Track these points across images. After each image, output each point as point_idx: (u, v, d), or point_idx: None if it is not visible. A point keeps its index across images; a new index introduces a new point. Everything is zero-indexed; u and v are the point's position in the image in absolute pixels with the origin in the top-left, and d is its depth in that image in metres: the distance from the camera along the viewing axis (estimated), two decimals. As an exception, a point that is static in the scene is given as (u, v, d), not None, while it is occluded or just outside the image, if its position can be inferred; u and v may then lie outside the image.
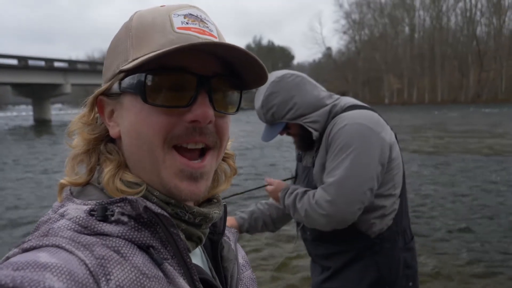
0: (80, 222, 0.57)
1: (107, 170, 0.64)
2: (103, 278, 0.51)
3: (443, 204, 7.40)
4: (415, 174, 9.84)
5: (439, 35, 77.72)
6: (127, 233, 0.57)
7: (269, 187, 2.01)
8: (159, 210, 0.58)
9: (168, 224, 0.59)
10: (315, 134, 1.79)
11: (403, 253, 1.81)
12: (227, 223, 0.84)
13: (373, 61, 78.46)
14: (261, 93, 1.79)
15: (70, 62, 52.04)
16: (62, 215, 0.58)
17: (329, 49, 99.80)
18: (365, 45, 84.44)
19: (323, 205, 1.68)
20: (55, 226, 0.57)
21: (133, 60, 0.63)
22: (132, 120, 0.64)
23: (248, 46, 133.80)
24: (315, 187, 1.81)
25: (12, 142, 21.64)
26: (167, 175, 0.63)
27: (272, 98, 1.76)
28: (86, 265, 0.51)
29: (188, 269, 0.61)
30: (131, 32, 0.66)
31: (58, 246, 0.52)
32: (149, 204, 0.58)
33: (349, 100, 1.86)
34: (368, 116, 1.75)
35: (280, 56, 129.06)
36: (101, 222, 0.57)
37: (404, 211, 1.87)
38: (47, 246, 0.52)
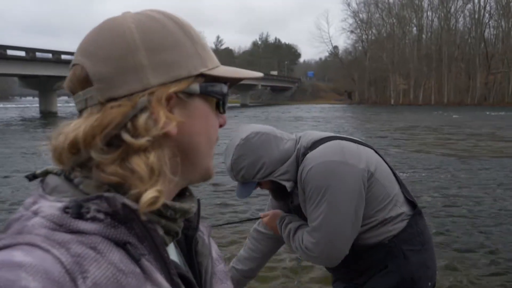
0: (54, 219, 0.55)
1: (157, 188, 0.59)
2: (80, 276, 0.50)
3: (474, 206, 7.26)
4: (445, 178, 9.74)
5: (447, 36, 77.43)
6: (103, 230, 0.56)
7: (265, 219, 2.06)
8: (135, 206, 0.58)
9: (146, 220, 0.59)
10: (288, 185, 1.81)
11: (422, 254, 1.82)
12: None
13: (380, 61, 78.34)
14: (228, 155, 1.79)
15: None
16: (35, 213, 0.57)
17: (336, 48, 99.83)
18: (372, 45, 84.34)
19: (311, 248, 1.74)
20: (29, 224, 0.55)
21: (214, 68, 0.68)
22: (203, 122, 0.68)
23: (255, 43, 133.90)
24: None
25: (21, 133, 21.86)
26: (211, 165, 0.72)
27: (240, 161, 1.76)
28: (62, 263, 0.50)
29: (165, 264, 0.61)
30: (193, 36, 0.68)
31: (33, 244, 0.51)
32: (126, 201, 0.57)
33: (311, 136, 1.85)
34: (332, 150, 1.75)
35: (287, 53, 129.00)
36: (76, 220, 0.56)
37: (417, 212, 1.88)
38: (21, 244, 0.51)
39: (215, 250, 0.79)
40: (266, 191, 1.94)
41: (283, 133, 1.85)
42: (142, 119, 0.60)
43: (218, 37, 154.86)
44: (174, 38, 0.65)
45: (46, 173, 0.63)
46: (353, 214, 1.71)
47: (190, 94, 0.65)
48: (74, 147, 0.59)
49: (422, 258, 1.82)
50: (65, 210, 0.56)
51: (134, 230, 0.59)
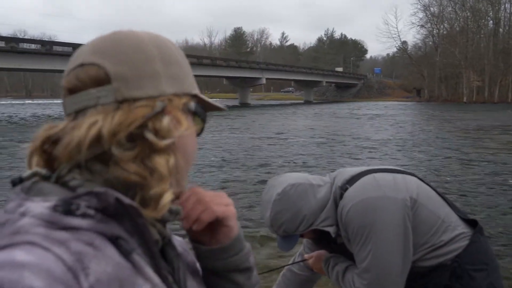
0: (44, 218, 0.55)
1: (172, 191, 0.63)
2: (82, 273, 0.51)
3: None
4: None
5: (526, 29, 72.71)
6: (95, 226, 0.57)
7: (310, 261, 2.01)
8: (128, 201, 0.59)
9: (135, 214, 0.60)
10: (332, 230, 1.72)
11: (488, 273, 1.71)
12: None
13: (452, 57, 74.85)
14: (266, 209, 1.71)
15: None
16: (23, 214, 0.56)
17: (404, 43, 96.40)
18: (443, 40, 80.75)
19: None
20: (20, 225, 0.54)
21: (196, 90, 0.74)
22: (194, 139, 0.72)
23: (320, 39, 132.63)
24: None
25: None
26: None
27: (279, 216, 1.68)
28: (64, 260, 0.50)
29: (154, 259, 0.62)
30: (186, 59, 0.74)
31: (33, 243, 0.51)
32: (119, 195, 0.58)
33: (345, 175, 1.78)
34: (368, 186, 1.69)
35: (353, 49, 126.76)
36: (68, 216, 0.56)
37: (478, 230, 1.77)
38: (21, 243, 0.51)
39: (178, 244, 0.79)
40: None
41: (316, 178, 1.80)
42: (165, 121, 0.63)
43: (283, 33, 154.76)
44: (177, 58, 0.71)
45: (33, 175, 0.62)
46: (402, 248, 1.63)
47: (188, 110, 0.70)
48: (97, 142, 0.59)
49: (488, 277, 1.71)
50: (54, 208, 0.56)
51: (124, 225, 0.60)
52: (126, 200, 0.58)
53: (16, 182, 0.63)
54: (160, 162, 0.61)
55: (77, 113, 0.63)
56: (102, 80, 0.63)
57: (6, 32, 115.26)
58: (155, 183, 0.61)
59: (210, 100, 0.75)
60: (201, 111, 0.73)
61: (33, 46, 40.20)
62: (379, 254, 1.62)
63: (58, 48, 39.89)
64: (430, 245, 1.70)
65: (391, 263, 1.62)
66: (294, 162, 11.16)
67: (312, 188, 1.73)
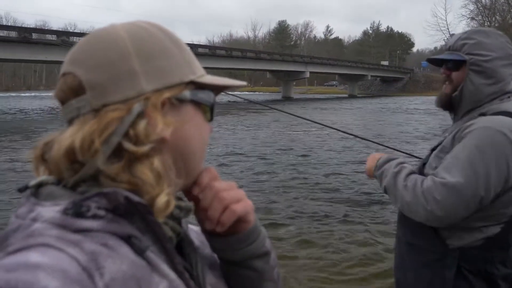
0: (56, 222, 0.55)
1: (166, 192, 0.62)
2: (97, 273, 0.51)
3: None
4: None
5: None
6: (107, 226, 0.57)
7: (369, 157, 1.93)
8: (137, 199, 0.58)
9: (145, 212, 0.60)
10: (469, 94, 1.69)
11: (476, 282, 1.63)
12: None
13: (504, 50, 72.02)
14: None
15: (191, 46, 55.19)
16: (35, 219, 0.56)
17: (453, 36, 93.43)
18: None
19: (429, 200, 1.54)
20: (33, 229, 0.55)
21: (201, 76, 0.70)
22: (195, 127, 0.69)
23: (365, 32, 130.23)
24: (421, 173, 1.71)
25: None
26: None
27: (482, 37, 1.69)
28: (78, 261, 0.51)
29: (169, 255, 0.62)
30: (180, 45, 0.70)
31: (47, 245, 0.51)
32: (128, 194, 0.58)
33: (510, 106, 1.68)
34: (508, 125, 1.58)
35: (399, 43, 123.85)
36: (78, 219, 0.56)
37: (505, 241, 1.65)
38: (35, 245, 0.51)
39: (195, 237, 0.78)
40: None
41: None
42: (141, 125, 0.60)
43: (327, 26, 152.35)
44: (163, 47, 0.67)
45: (40, 185, 0.61)
46: (488, 192, 1.52)
47: (181, 100, 0.67)
48: (71, 154, 0.59)
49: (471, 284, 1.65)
50: (65, 211, 0.56)
51: (136, 223, 0.60)
52: (135, 198, 0.58)
53: (23, 190, 0.63)
54: (142, 169, 0.60)
55: (69, 123, 0.63)
56: (78, 90, 0.62)
57: (57, 26, 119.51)
58: (147, 188, 0.60)
59: (217, 80, 0.72)
60: (202, 97, 0.70)
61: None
62: (468, 179, 1.51)
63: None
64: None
65: (471, 195, 1.51)
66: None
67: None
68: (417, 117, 26.41)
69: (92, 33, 0.67)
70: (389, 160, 1.81)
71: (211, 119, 0.73)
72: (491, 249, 1.63)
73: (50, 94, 69.07)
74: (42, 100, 48.53)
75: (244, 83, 0.77)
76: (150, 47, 0.65)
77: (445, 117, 1.93)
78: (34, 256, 0.49)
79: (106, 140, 0.59)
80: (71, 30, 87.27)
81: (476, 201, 1.51)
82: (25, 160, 10.38)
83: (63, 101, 0.64)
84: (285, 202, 7.14)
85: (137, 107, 0.61)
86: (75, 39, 39.75)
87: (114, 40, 0.64)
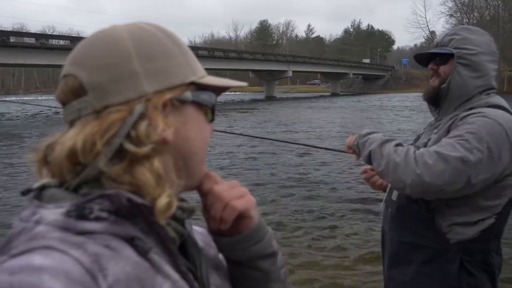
0: (59, 224, 0.55)
1: (168, 193, 0.61)
2: (100, 274, 0.51)
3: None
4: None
5: (561, 17, 70.43)
6: (110, 228, 0.57)
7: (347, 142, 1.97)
8: (140, 200, 0.58)
9: (148, 213, 0.59)
10: (457, 84, 1.72)
11: (478, 272, 1.67)
12: None
13: (482, 46, 73.06)
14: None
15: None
16: (38, 222, 0.56)
17: (433, 33, 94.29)
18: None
19: (420, 163, 1.55)
20: (36, 231, 0.55)
21: (202, 77, 0.70)
22: (197, 128, 0.69)
23: (346, 31, 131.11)
24: None
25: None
26: (205, 170, 0.73)
27: (468, 33, 1.75)
28: (81, 263, 0.51)
29: (172, 256, 0.62)
30: (182, 46, 0.70)
31: (50, 247, 0.51)
32: (131, 195, 0.58)
33: (498, 101, 1.73)
34: (509, 120, 1.62)
35: (379, 40, 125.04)
36: (81, 221, 0.56)
37: (499, 230, 1.73)
38: (38, 248, 0.51)
39: (199, 239, 0.78)
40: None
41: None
42: (142, 126, 0.60)
43: (309, 25, 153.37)
44: (165, 48, 0.66)
45: (42, 188, 0.62)
46: (482, 174, 1.54)
47: (183, 101, 0.66)
48: (73, 155, 0.58)
49: (471, 278, 1.69)
50: (67, 214, 0.56)
51: (139, 225, 0.60)
52: (138, 199, 0.58)
53: (26, 193, 0.63)
54: (142, 171, 0.59)
55: (71, 124, 0.63)
56: (79, 91, 0.62)
57: (35, 28, 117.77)
58: (148, 190, 0.60)
59: (218, 81, 0.72)
60: (204, 98, 0.70)
61: (62, 42, 40.87)
62: (462, 155, 1.52)
63: (88, 44, 40.55)
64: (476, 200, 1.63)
65: (462, 167, 1.51)
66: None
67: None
68: (404, 113, 26.56)
69: (93, 35, 0.66)
70: (375, 132, 1.84)
71: (212, 120, 0.73)
72: (488, 239, 1.67)
73: (31, 98, 68.99)
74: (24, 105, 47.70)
75: (245, 83, 0.77)
76: (151, 48, 0.65)
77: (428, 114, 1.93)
78: (37, 259, 0.49)
79: (108, 142, 0.58)
80: (49, 33, 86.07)
81: (464, 177, 1.52)
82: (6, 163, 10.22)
83: (64, 103, 0.64)
84: (285, 201, 7.15)
85: (138, 108, 0.60)
86: (54, 42, 39.34)
87: (115, 41, 0.63)
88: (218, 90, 0.74)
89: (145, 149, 0.59)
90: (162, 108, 0.63)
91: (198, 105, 0.69)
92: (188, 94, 0.67)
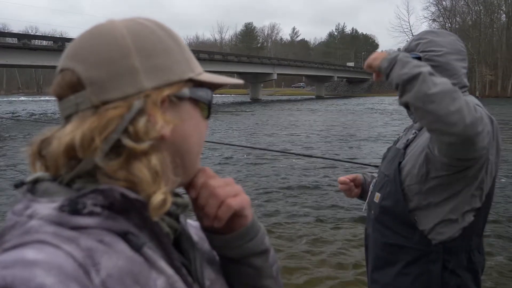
0: (52, 219, 0.55)
1: (163, 190, 0.61)
2: (93, 269, 0.51)
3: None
4: None
5: (540, 23, 71.70)
6: (103, 223, 0.57)
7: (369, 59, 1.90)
8: (134, 195, 0.58)
9: (142, 208, 0.59)
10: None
11: (461, 272, 1.68)
12: None
13: (464, 51, 73.99)
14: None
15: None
16: (31, 216, 0.56)
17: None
18: (456, 34, 79.44)
19: (478, 112, 1.45)
20: (29, 226, 0.55)
21: (200, 73, 0.70)
22: (194, 125, 0.69)
23: (331, 34, 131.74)
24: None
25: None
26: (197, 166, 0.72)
27: (433, 36, 1.79)
28: (74, 257, 0.51)
29: (166, 251, 0.62)
30: (180, 42, 0.69)
31: (43, 242, 0.51)
32: (124, 190, 0.58)
33: (473, 100, 1.65)
34: (487, 117, 1.56)
35: (364, 44, 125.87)
36: (75, 216, 0.56)
37: (479, 228, 1.74)
38: (31, 242, 0.51)
39: (194, 233, 0.77)
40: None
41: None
42: (141, 122, 0.60)
43: (294, 28, 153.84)
44: (163, 44, 0.66)
45: (36, 181, 0.62)
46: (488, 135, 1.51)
47: (180, 98, 0.66)
48: (71, 150, 0.58)
49: (458, 277, 1.70)
50: (61, 208, 0.56)
51: (133, 220, 0.60)
52: (132, 194, 0.58)
53: (19, 186, 0.63)
54: (139, 167, 0.59)
55: (67, 119, 0.62)
56: (77, 86, 0.61)
57: (17, 28, 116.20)
58: (143, 186, 0.59)
59: (215, 78, 0.72)
60: (201, 95, 0.70)
61: (44, 42, 40.22)
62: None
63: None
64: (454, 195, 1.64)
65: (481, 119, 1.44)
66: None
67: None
68: (383, 116, 26.79)
69: (90, 29, 0.65)
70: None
71: (208, 117, 0.73)
72: (470, 237, 1.69)
73: (13, 99, 67.95)
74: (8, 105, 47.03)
75: (241, 81, 0.77)
76: (150, 44, 0.64)
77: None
78: (30, 253, 0.49)
79: (107, 138, 0.58)
80: (32, 33, 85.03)
81: (484, 133, 1.45)
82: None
83: (60, 97, 0.63)
84: (281, 202, 7.15)
85: (137, 104, 0.60)
86: (37, 42, 38.81)
87: (114, 37, 0.63)
88: (213, 87, 0.73)
89: (144, 146, 0.59)
90: (161, 104, 0.63)
91: (195, 101, 0.69)
92: (186, 91, 0.67)
